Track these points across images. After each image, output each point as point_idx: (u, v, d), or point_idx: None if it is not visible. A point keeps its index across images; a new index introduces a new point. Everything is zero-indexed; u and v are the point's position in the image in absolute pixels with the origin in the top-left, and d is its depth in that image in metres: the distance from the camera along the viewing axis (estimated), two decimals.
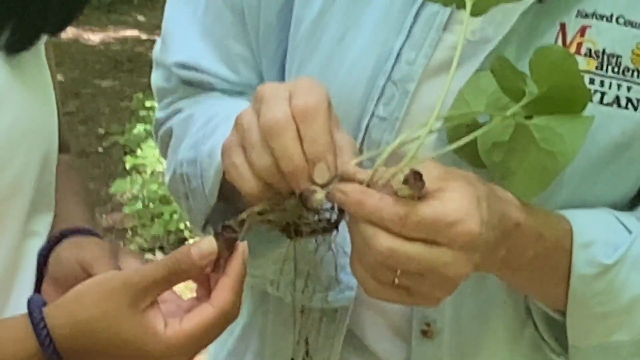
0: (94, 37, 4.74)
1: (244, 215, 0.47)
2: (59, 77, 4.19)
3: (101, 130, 3.34)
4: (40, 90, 0.62)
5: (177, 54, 0.66)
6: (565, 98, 0.47)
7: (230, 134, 0.50)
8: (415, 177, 0.42)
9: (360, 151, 0.52)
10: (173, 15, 0.68)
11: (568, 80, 0.47)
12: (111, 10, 5.15)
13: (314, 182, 0.46)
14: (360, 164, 0.47)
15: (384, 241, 0.43)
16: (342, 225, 0.48)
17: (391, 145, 0.47)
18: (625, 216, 0.58)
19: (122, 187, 2.59)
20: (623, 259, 0.55)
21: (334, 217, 0.48)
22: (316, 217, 0.47)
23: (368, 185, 0.45)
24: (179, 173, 0.63)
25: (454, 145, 0.48)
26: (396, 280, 0.45)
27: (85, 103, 3.69)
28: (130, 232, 2.55)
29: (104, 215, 2.66)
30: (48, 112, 0.63)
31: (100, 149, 3.18)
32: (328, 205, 0.47)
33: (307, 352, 0.59)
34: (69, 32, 4.28)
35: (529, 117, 0.48)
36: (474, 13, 0.49)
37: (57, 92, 0.67)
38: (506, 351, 0.62)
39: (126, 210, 2.57)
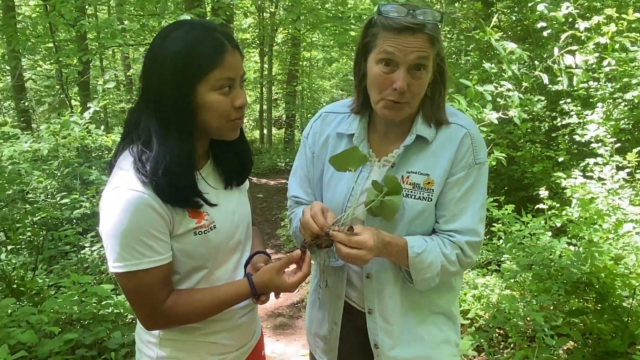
0: (272, 182, 10.92)
1: (306, 241, 1.39)
2: (259, 195, 9.91)
3: (274, 212, 8.23)
4: (245, 202, 1.48)
5: (291, 191, 1.63)
6: (395, 191, 1.41)
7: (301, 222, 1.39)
8: (350, 229, 1.34)
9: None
10: (292, 175, 1.64)
11: (395, 186, 1.41)
12: (276, 173, 11.86)
13: (325, 233, 1.34)
14: (336, 223, 1.38)
15: (344, 250, 1.31)
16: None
17: (344, 218, 1.38)
18: (426, 237, 1.42)
19: (281, 232, 6.97)
20: (424, 250, 1.38)
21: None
22: (326, 243, 1.37)
23: (339, 231, 1.35)
24: (293, 232, 1.60)
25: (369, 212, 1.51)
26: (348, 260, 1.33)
27: (268, 205, 8.83)
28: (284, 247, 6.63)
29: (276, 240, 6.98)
30: (247, 210, 1.49)
31: (273, 219, 7.86)
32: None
33: (326, 282, 1.56)
34: (262, 180, 11.29)
35: (385, 196, 1.44)
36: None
37: (252, 203, 1.55)
38: (395, 282, 1.47)
39: (283, 239, 6.76)
